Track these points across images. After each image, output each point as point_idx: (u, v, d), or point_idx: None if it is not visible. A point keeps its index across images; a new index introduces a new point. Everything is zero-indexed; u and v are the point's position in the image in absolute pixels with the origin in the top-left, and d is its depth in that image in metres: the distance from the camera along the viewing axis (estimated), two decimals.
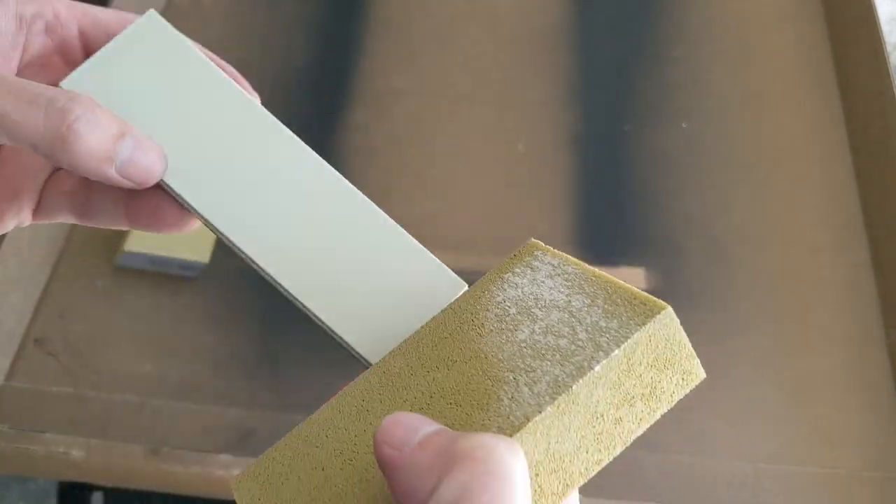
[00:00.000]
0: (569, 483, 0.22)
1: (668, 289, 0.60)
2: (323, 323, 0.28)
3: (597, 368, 0.21)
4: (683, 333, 0.23)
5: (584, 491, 0.54)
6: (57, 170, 0.30)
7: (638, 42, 0.75)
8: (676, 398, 0.24)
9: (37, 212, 0.30)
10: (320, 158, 0.28)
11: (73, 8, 0.28)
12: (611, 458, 0.23)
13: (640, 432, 0.23)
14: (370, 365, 0.26)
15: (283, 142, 0.28)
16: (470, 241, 0.62)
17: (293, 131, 0.29)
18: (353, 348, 0.27)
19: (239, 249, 0.28)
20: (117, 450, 0.51)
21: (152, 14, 0.29)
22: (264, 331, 0.58)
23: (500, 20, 0.76)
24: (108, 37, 0.29)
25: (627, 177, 0.66)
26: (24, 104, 0.25)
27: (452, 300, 0.27)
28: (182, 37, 0.29)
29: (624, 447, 0.23)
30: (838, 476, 0.53)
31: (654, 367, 0.22)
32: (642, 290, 0.23)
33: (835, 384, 0.57)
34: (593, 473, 0.23)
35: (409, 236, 0.28)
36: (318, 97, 0.69)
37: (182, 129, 0.28)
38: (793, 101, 0.71)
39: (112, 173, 0.27)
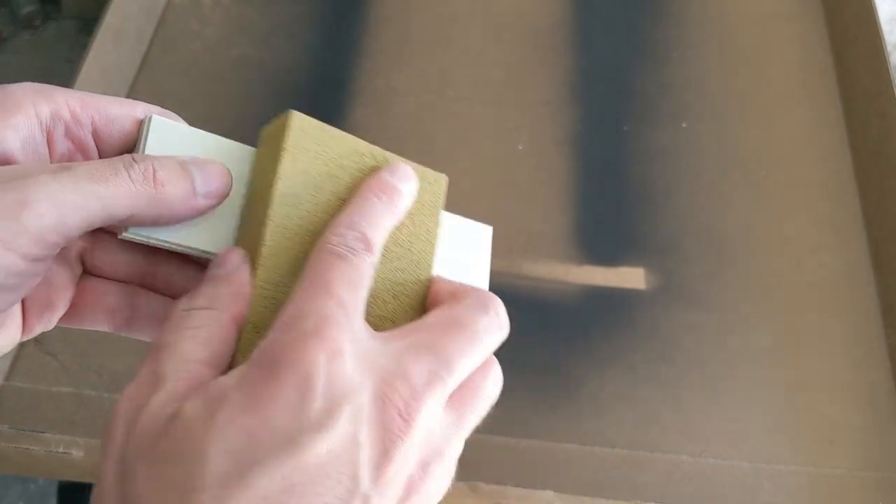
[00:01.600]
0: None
1: (668, 289, 0.60)
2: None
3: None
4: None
5: (584, 491, 0.54)
6: (90, 279, 0.30)
7: (638, 42, 0.75)
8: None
9: (67, 319, 0.30)
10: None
11: (87, 105, 0.27)
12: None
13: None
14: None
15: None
16: None
17: None
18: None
19: None
20: None
21: (156, 119, 0.28)
22: None
23: (500, 20, 0.76)
24: (122, 134, 0.28)
25: (627, 177, 0.66)
26: (112, 179, 0.25)
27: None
28: (189, 128, 0.29)
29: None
30: (838, 476, 0.53)
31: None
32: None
33: (835, 384, 0.57)
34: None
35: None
36: (318, 97, 0.69)
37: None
38: (793, 101, 0.71)
39: (201, 201, 0.27)
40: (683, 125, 0.69)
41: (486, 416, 0.26)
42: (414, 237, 0.29)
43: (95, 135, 0.28)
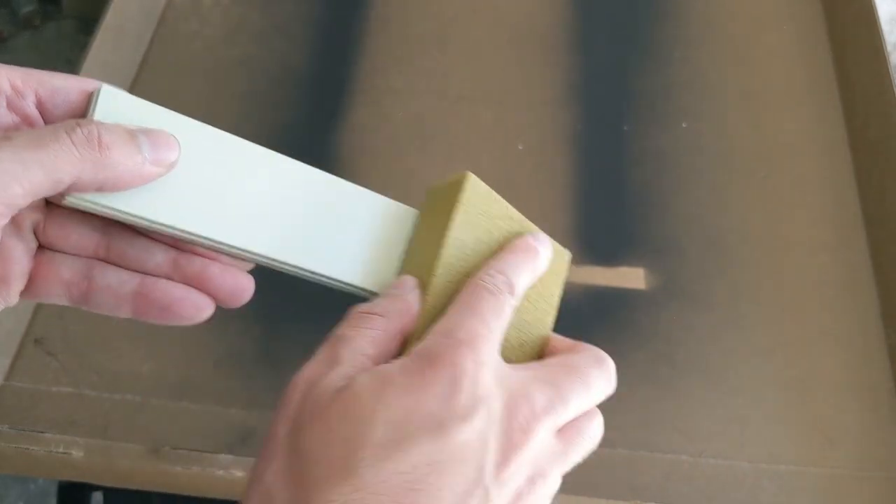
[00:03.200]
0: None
1: (668, 289, 0.60)
2: (319, 275, 0.32)
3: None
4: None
5: (584, 491, 0.54)
6: (45, 252, 0.30)
7: (638, 42, 0.75)
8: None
9: (26, 293, 0.30)
10: (262, 148, 0.32)
11: (28, 77, 0.28)
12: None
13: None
14: (373, 293, 0.33)
15: (232, 144, 0.31)
16: None
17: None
18: (351, 285, 0.33)
19: (230, 247, 0.30)
20: (117, 449, 0.51)
21: (105, 87, 0.29)
22: (264, 331, 0.58)
23: (500, 20, 0.76)
24: (68, 104, 0.28)
25: (627, 177, 0.66)
26: (52, 145, 0.25)
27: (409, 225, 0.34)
28: (140, 100, 0.29)
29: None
30: (838, 476, 0.53)
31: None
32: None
33: (835, 384, 0.57)
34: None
35: (352, 183, 0.34)
36: (318, 97, 0.69)
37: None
38: (793, 101, 0.71)
39: (149, 167, 0.27)
40: (683, 125, 0.69)
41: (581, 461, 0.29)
42: (540, 297, 0.34)
43: (41, 106, 0.28)
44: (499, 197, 0.33)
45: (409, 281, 0.31)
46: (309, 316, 0.58)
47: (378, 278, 0.33)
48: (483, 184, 0.33)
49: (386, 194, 0.35)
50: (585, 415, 0.30)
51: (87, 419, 0.53)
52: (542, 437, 0.28)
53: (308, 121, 0.68)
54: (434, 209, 0.33)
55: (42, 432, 0.51)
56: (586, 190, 0.65)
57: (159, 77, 0.70)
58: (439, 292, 0.31)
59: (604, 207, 0.64)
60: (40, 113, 0.28)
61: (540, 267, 0.33)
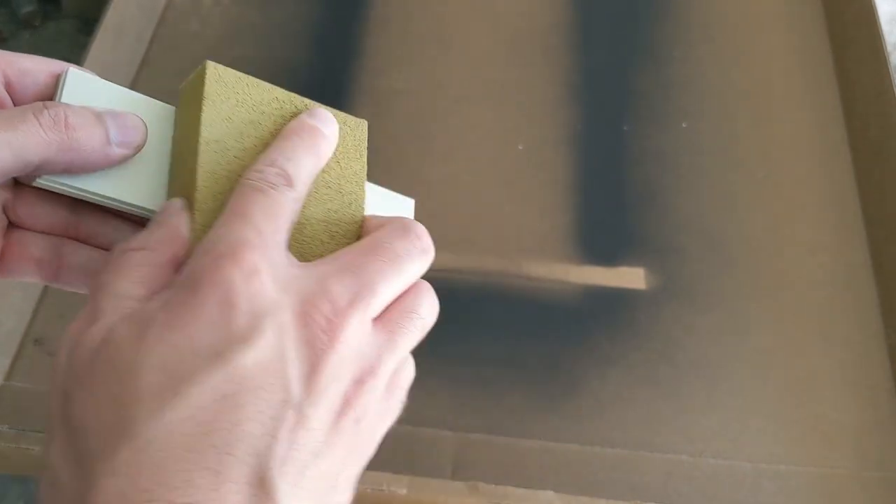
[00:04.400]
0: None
1: (668, 289, 0.60)
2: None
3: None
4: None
5: (583, 491, 0.54)
6: (16, 231, 0.30)
7: (638, 42, 0.75)
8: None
9: None
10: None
11: None
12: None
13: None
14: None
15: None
16: (469, 241, 0.62)
17: None
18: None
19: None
20: None
21: (73, 70, 0.29)
22: None
23: (500, 20, 0.76)
24: (37, 85, 0.28)
25: (627, 177, 0.66)
26: (19, 126, 0.25)
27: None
28: (108, 83, 0.30)
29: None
30: (838, 476, 0.53)
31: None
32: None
33: (835, 384, 0.57)
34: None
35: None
36: (318, 97, 0.69)
37: None
38: (793, 102, 0.71)
39: (115, 149, 0.28)
40: (683, 125, 0.69)
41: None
42: (342, 179, 0.30)
43: (9, 87, 0.28)
44: (258, 81, 0.29)
45: (175, 203, 0.27)
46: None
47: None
48: (231, 70, 0.29)
49: None
50: (407, 293, 0.27)
51: None
52: (353, 334, 0.25)
53: None
54: (185, 113, 0.29)
55: (42, 432, 0.51)
56: (586, 190, 0.65)
57: (159, 77, 0.70)
58: (209, 206, 0.27)
59: (604, 207, 0.64)
60: (9, 94, 0.28)
61: (325, 148, 0.29)
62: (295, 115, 0.30)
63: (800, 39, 0.76)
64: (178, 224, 0.27)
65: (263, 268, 0.24)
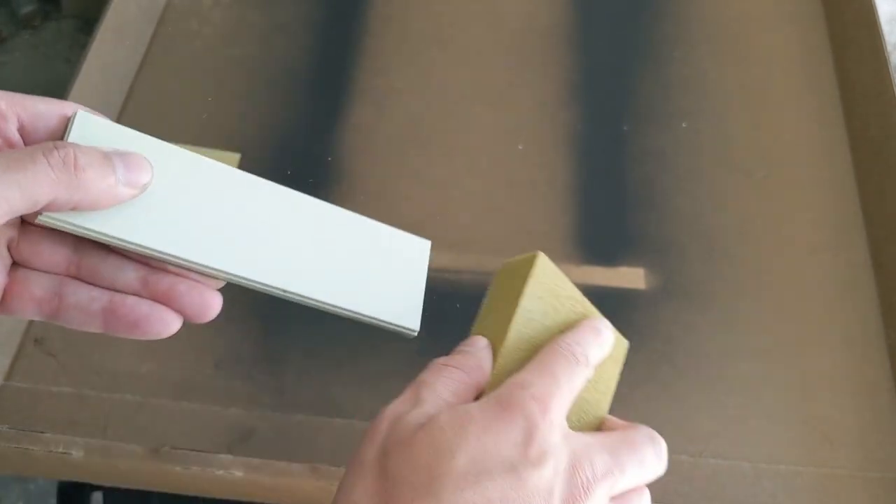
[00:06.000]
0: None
1: (667, 289, 0.60)
2: (350, 312, 0.35)
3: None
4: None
5: None
6: (19, 269, 0.30)
7: (638, 42, 0.75)
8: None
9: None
10: (269, 182, 0.33)
11: (12, 102, 0.28)
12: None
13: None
14: (414, 332, 0.36)
15: (239, 180, 0.33)
16: (469, 241, 0.62)
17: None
18: (389, 322, 0.35)
19: (249, 281, 0.32)
20: (117, 449, 0.51)
21: (81, 112, 0.29)
22: (264, 331, 0.58)
23: (501, 20, 0.76)
24: (48, 128, 0.29)
25: (627, 176, 0.66)
26: (29, 166, 0.26)
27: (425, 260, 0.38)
28: (115, 124, 0.30)
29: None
30: (838, 476, 0.53)
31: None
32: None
33: (835, 384, 0.57)
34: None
35: (367, 218, 0.36)
36: (318, 97, 0.69)
37: (153, 197, 0.31)
38: (793, 102, 0.71)
39: (122, 188, 0.28)
40: (683, 125, 0.69)
41: None
42: (600, 380, 0.35)
43: (22, 130, 0.29)
44: (566, 278, 0.36)
45: (480, 340, 0.34)
46: (309, 317, 0.57)
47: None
48: (552, 263, 0.35)
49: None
50: (636, 490, 0.33)
51: (86, 419, 0.53)
52: (598, 498, 0.30)
53: (308, 121, 0.68)
54: (506, 282, 0.36)
55: (42, 432, 0.51)
56: (586, 190, 0.65)
57: (159, 77, 0.70)
58: (508, 357, 0.33)
59: (604, 207, 0.64)
60: (21, 136, 0.29)
61: (606, 348, 0.35)
62: (583, 315, 0.36)
63: (800, 39, 0.76)
64: (485, 360, 0.33)
65: (557, 420, 0.30)
